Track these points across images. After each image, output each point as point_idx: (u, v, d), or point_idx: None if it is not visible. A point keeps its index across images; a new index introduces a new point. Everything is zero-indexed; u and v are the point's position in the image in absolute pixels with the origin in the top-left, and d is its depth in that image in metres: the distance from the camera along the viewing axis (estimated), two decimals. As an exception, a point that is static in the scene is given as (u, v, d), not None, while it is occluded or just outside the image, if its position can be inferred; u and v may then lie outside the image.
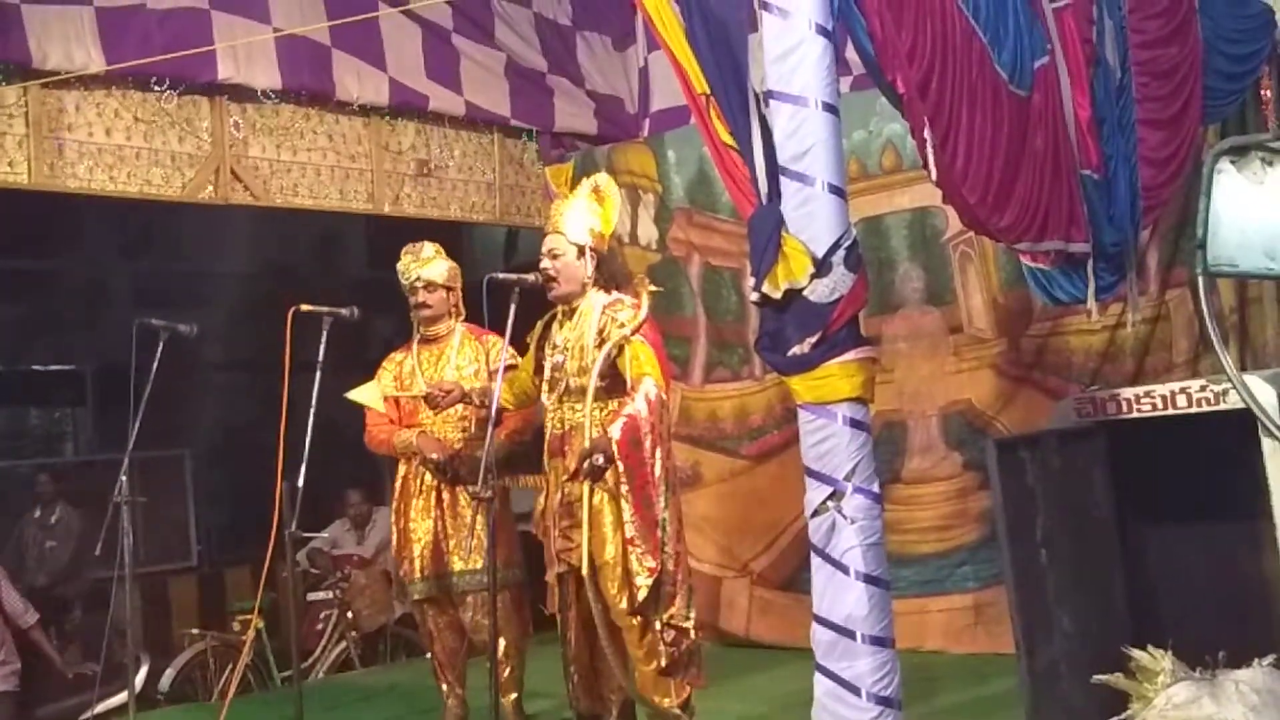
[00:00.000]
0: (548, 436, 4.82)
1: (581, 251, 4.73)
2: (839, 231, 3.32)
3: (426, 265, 5.41)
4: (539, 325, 4.94)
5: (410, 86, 7.18)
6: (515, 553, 5.41)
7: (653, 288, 4.89)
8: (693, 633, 4.64)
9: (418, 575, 5.35)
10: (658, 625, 4.56)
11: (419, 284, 5.39)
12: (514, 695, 5.32)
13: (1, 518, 9.94)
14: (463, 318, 5.48)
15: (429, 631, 5.48)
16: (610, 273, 4.83)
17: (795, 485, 3.51)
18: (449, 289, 5.45)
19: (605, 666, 4.72)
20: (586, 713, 4.87)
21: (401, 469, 5.49)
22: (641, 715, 4.83)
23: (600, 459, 4.44)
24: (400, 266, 5.44)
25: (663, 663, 4.57)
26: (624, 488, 4.49)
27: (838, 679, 3.32)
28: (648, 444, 4.52)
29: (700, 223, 7.40)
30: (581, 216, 4.79)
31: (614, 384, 4.65)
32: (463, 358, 5.37)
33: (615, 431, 4.46)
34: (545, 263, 4.78)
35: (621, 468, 4.47)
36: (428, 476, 5.35)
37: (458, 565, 5.27)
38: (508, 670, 5.22)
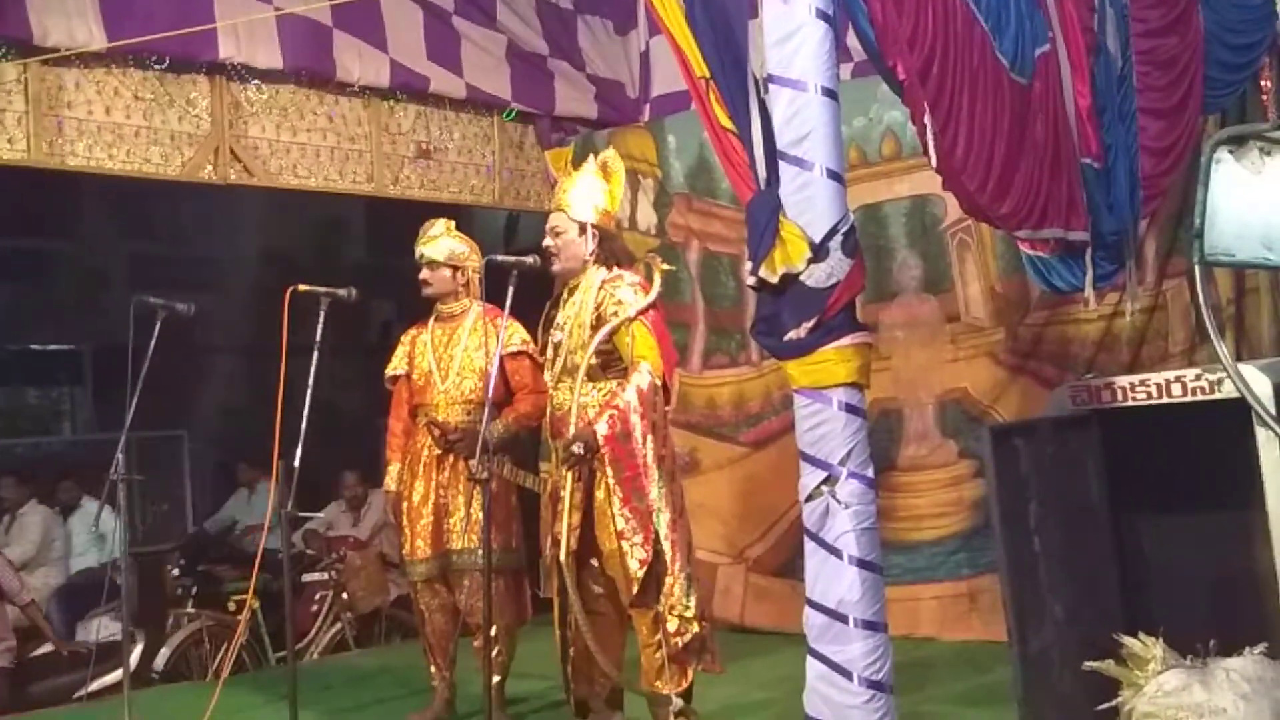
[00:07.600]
0: (549, 418, 4.84)
1: (583, 229, 4.76)
2: (837, 217, 3.32)
3: (429, 243, 5.46)
4: (547, 307, 4.94)
5: (411, 68, 7.17)
6: (514, 536, 5.42)
7: (665, 266, 4.89)
8: (696, 623, 4.62)
9: (419, 556, 5.38)
10: (662, 614, 4.55)
11: (422, 260, 5.45)
12: (498, 678, 5.33)
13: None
14: (479, 298, 5.46)
15: (420, 611, 5.51)
16: (611, 250, 4.84)
17: (792, 472, 3.50)
18: (454, 268, 5.46)
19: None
20: (578, 697, 4.87)
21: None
22: (639, 703, 4.82)
23: (580, 448, 4.46)
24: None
25: (668, 651, 4.57)
26: (611, 480, 4.50)
27: (830, 663, 3.32)
28: (638, 434, 4.52)
29: (699, 208, 7.40)
30: (586, 194, 4.81)
31: (613, 362, 4.66)
32: (474, 339, 5.37)
33: (602, 426, 4.47)
34: (547, 240, 4.81)
35: (609, 459, 4.48)
36: (427, 457, 5.36)
37: (456, 544, 5.29)
38: (495, 652, 5.23)
